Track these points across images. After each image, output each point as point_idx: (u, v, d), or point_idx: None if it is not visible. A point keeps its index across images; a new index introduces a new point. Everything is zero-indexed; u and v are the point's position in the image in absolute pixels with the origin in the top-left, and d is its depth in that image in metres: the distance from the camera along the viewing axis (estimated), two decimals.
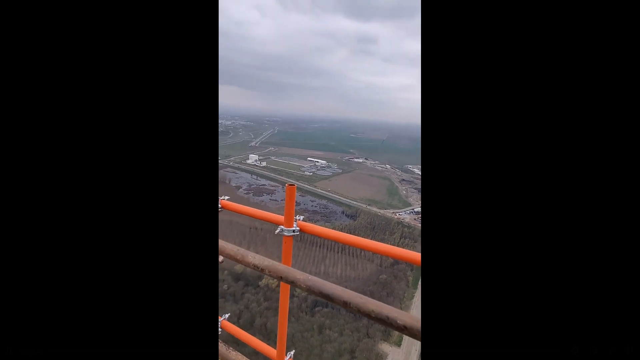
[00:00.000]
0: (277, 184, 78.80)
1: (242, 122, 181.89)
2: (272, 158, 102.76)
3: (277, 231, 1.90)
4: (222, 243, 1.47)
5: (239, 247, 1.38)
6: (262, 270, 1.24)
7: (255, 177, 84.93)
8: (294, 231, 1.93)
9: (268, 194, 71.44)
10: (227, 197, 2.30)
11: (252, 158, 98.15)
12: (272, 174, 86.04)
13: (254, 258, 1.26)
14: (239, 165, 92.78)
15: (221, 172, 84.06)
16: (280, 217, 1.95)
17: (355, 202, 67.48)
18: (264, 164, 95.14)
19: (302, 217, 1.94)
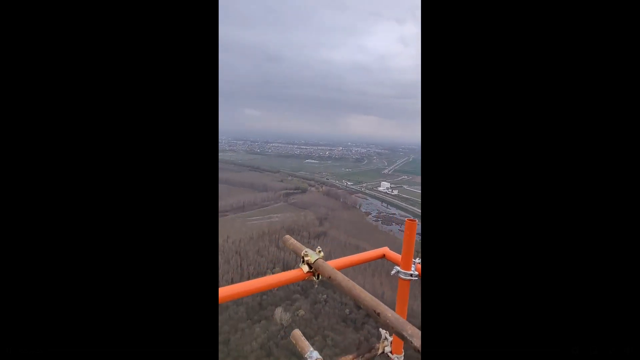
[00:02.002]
0: (407, 215, 75.15)
1: (377, 150, 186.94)
2: (405, 187, 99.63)
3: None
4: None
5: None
6: None
7: (385, 205, 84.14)
8: (412, 275, 1.62)
9: (397, 224, 68.96)
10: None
11: (384, 185, 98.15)
12: (403, 204, 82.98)
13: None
14: (370, 192, 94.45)
15: (352, 197, 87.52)
16: None
17: None
18: (395, 192, 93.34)
19: None
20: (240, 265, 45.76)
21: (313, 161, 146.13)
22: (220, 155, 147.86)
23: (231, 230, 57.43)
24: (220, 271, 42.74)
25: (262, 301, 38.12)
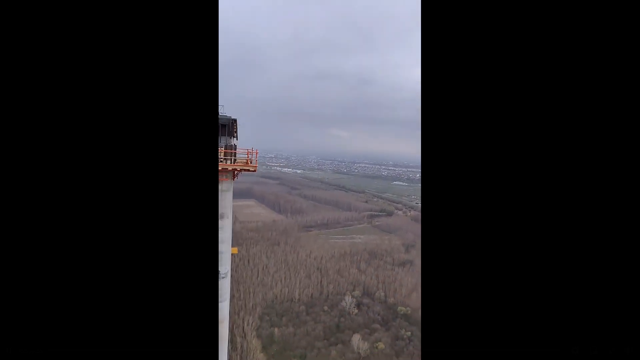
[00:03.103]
0: None
1: None
2: None
3: None
4: None
5: None
6: None
7: None
8: None
9: None
10: None
11: None
12: None
13: None
14: None
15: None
16: None
17: None
18: None
19: None
20: (321, 282, 45.55)
21: (401, 183, 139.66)
22: (309, 173, 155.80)
23: (314, 246, 58.30)
24: (301, 285, 43.30)
25: (340, 323, 36.58)
